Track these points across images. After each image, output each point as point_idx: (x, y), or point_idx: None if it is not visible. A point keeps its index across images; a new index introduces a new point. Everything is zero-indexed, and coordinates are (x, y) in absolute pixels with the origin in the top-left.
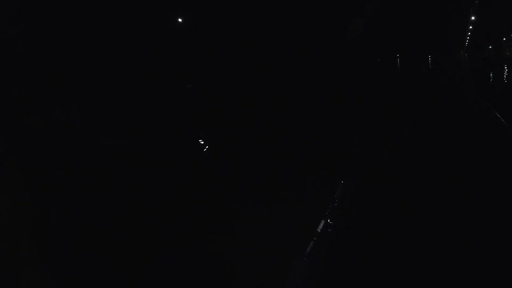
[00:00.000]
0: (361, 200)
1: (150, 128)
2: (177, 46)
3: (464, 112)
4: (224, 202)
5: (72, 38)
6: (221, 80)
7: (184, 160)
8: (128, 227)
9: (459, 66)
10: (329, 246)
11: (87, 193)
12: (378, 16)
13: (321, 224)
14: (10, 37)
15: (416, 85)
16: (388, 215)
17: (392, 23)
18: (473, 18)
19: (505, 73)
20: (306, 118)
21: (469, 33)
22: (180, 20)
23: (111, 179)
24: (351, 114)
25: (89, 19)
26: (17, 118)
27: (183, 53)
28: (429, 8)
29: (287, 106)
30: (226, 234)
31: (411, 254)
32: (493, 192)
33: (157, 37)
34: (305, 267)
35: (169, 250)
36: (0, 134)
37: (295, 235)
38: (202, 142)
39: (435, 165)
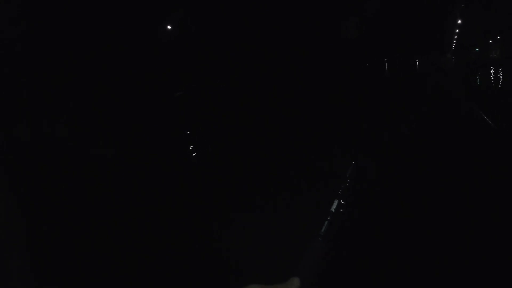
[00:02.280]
0: (372, 180)
1: (141, 136)
2: (165, 54)
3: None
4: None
5: (58, 49)
6: (213, 85)
7: (175, 169)
8: (119, 235)
9: (447, 69)
10: (341, 224)
11: (78, 200)
12: (373, 18)
13: (335, 204)
14: None
15: (404, 91)
16: (397, 193)
17: (383, 26)
18: (459, 21)
19: (492, 76)
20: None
21: (455, 36)
22: (168, 27)
23: (101, 186)
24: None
25: (72, 34)
26: (5, 128)
27: (171, 61)
28: (416, 12)
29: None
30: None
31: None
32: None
33: (145, 45)
34: (320, 246)
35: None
36: None
37: (310, 216)
38: (194, 151)
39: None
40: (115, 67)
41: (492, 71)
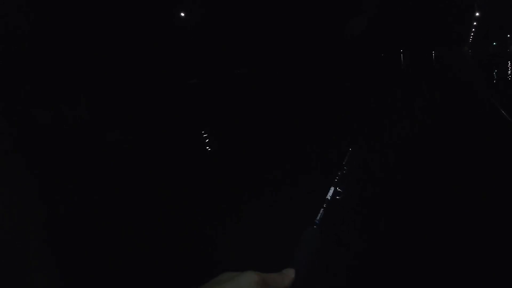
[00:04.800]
0: (369, 167)
1: (155, 123)
2: (182, 41)
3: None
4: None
5: (78, 34)
6: (228, 75)
7: (189, 156)
8: (138, 223)
9: (466, 62)
10: (337, 212)
11: (96, 188)
12: (381, 12)
13: (331, 191)
14: (21, 33)
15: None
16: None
17: (395, 18)
18: (477, 14)
19: None
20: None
21: (473, 29)
22: (183, 14)
23: (119, 174)
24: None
25: (92, 17)
26: (25, 115)
27: (187, 48)
28: (434, 3)
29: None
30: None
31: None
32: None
33: (161, 32)
34: (315, 234)
35: (179, 247)
36: (8, 131)
37: (305, 204)
38: (208, 138)
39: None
40: (132, 55)
41: (510, 65)
